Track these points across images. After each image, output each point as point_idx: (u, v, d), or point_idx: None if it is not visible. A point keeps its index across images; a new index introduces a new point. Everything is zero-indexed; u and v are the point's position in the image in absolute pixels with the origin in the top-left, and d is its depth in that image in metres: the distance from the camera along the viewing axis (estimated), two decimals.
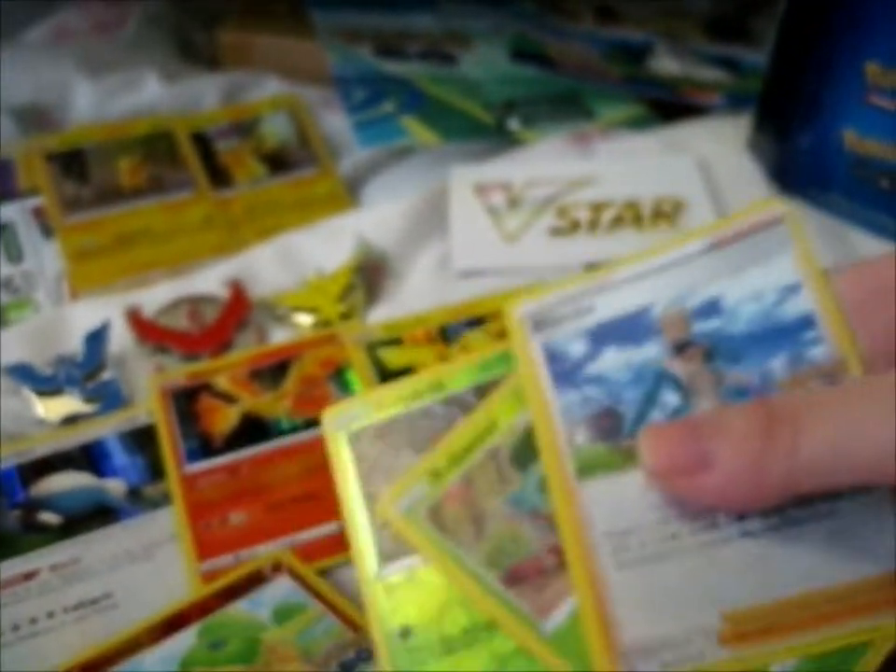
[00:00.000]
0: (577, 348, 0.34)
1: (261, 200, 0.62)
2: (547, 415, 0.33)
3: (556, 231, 0.57)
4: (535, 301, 0.36)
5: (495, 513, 0.33)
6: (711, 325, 0.34)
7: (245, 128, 0.65)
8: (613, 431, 0.33)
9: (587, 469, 0.32)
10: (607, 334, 0.34)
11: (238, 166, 0.63)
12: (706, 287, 0.35)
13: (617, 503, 0.32)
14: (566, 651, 0.30)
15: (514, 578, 0.32)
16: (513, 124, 0.70)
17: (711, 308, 0.34)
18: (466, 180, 0.61)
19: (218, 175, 0.62)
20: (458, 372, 0.37)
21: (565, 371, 0.34)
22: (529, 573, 0.32)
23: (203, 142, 0.64)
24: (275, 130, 0.65)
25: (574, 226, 0.58)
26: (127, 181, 0.61)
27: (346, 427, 0.37)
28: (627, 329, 0.34)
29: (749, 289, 0.34)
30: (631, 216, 0.59)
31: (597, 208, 0.59)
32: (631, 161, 0.63)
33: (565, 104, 0.72)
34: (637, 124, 0.70)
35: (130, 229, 0.59)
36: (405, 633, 0.33)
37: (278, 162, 0.64)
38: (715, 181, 0.62)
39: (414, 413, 0.36)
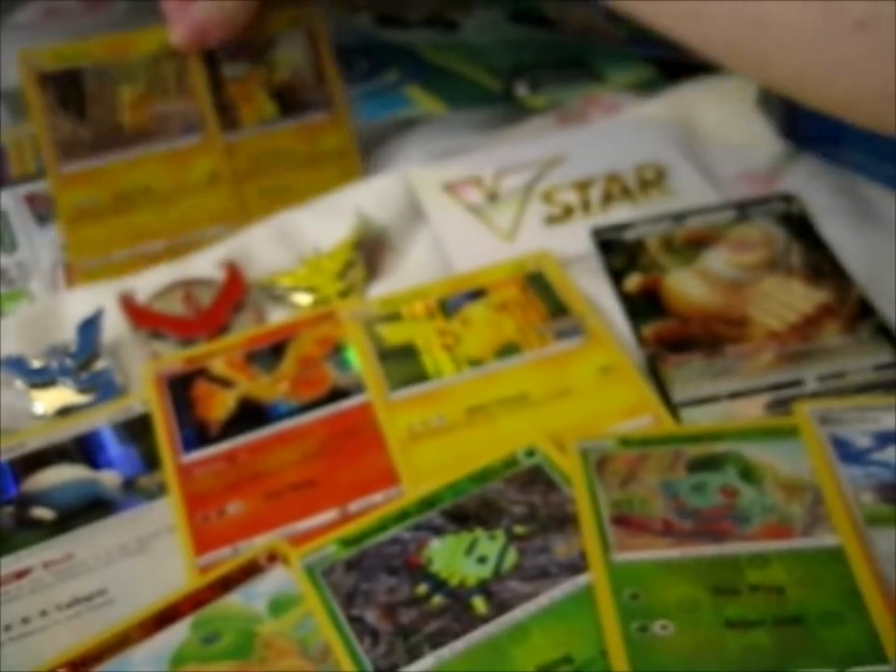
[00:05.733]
0: (862, 441, 0.41)
1: (268, 148, 0.59)
2: (834, 483, 0.40)
3: (551, 219, 0.55)
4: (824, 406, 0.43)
5: None
6: None
7: (256, 50, 0.60)
8: None
9: (874, 520, 0.38)
10: (891, 438, 0.41)
11: (246, 102, 0.59)
12: None
13: None
14: None
15: None
16: (521, 90, 0.68)
17: None
18: (430, 183, 0.58)
19: (227, 113, 0.58)
20: (422, 501, 0.40)
21: (851, 454, 0.41)
22: None
23: (212, 65, 0.58)
24: (289, 56, 0.61)
25: (567, 211, 0.56)
26: (129, 119, 0.57)
27: (319, 565, 0.38)
28: None
29: None
30: (618, 189, 0.57)
31: (582, 187, 0.57)
32: (599, 133, 0.61)
33: (572, 67, 0.71)
34: (646, 86, 0.68)
35: (130, 185, 0.56)
36: None
37: (289, 100, 0.60)
38: (719, 142, 0.60)
39: (385, 541, 0.39)
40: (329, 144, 0.59)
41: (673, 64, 0.71)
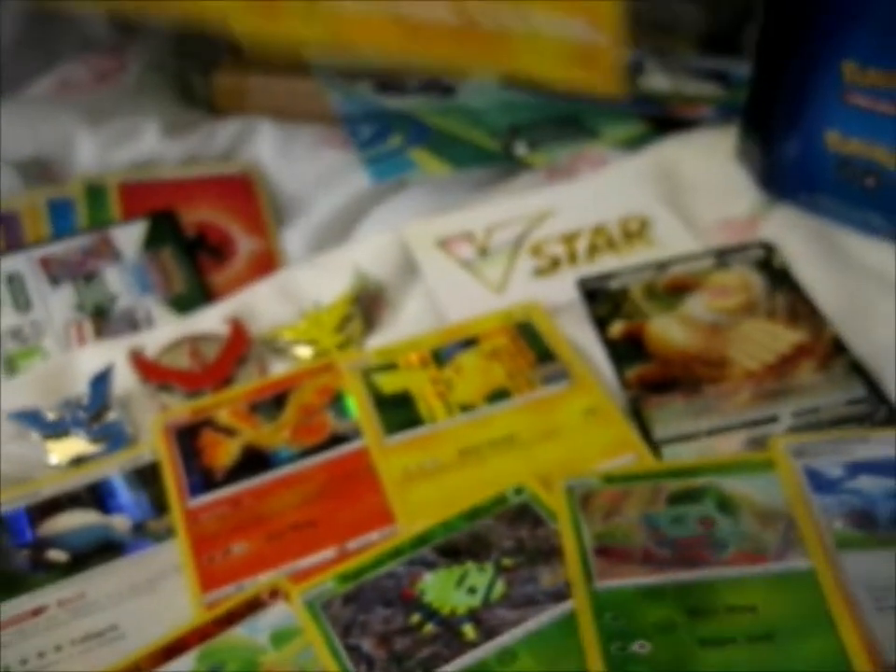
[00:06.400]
0: (835, 471, 0.44)
1: None
2: (807, 511, 0.42)
3: (540, 272, 0.58)
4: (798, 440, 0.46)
5: None
6: None
7: None
8: (868, 526, 0.42)
9: (844, 544, 0.41)
10: (862, 468, 0.44)
11: None
12: None
13: (874, 569, 0.40)
14: None
15: None
16: (520, 149, 0.71)
17: None
18: (424, 238, 0.61)
19: None
20: (415, 538, 0.43)
21: (823, 484, 0.43)
22: None
23: None
24: None
25: (554, 263, 0.58)
26: None
27: (318, 599, 0.41)
28: (881, 469, 0.44)
29: None
30: (603, 241, 0.59)
31: (568, 239, 0.60)
32: (586, 187, 0.64)
33: (567, 125, 0.73)
34: (638, 141, 0.71)
35: None
36: None
37: None
38: (700, 194, 0.63)
39: (381, 576, 0.41)
40: None
41: (665, 120, 0.74)
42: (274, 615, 0.40)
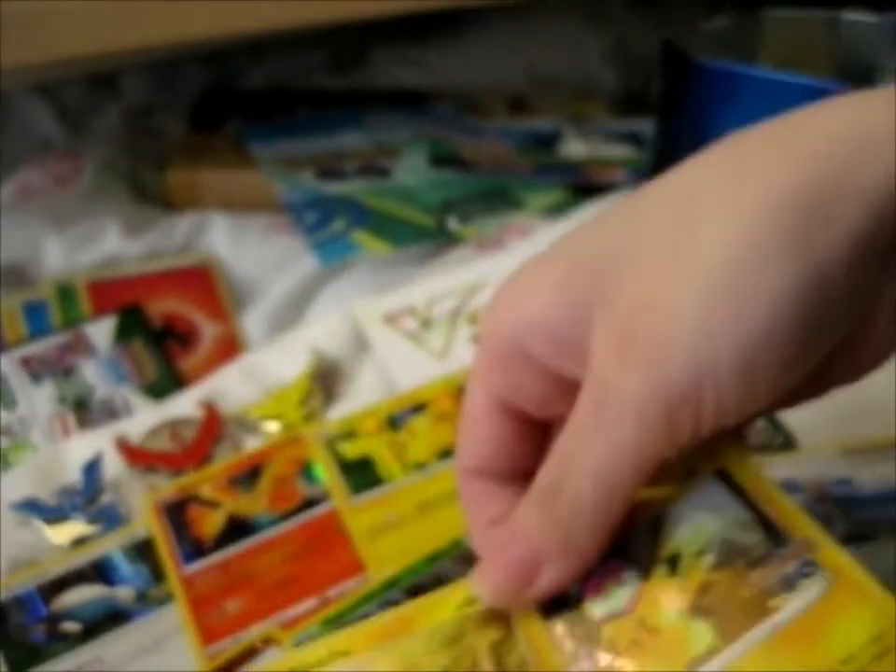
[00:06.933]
0: None
1: None
2: None
3: (476, 339, 0.64)
4: None
5: None
6: None
7: None
8: None
9: None
10: None
11: None
12: None
13: None
14: None
15: None
16: (453, 224, 0.77)
17: None
18: (372, 315, 0.67)
19: None
20: (385, 583, 0.49)
21: None
22: None
23: None
24: None
25: None
26: None
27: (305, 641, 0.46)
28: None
29: None
30: None
31: None
32: (513, 256, 0.70)
33: (495, 198, 0.80)
34: (559, 208, 0.78)
35: None
36: None
37: None
38: None
39: (357, 617, 0.47)
40: None
41: (581, 186, 0.81)
42: (269, 660, 0.46)
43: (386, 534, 0.53)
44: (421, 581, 0.49)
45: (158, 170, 0.85)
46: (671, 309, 0.32)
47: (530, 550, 0.34)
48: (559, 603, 0.36)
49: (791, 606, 0.33)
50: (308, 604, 0.50)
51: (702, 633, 0.34)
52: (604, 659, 0.34)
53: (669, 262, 0.33)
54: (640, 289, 0.33)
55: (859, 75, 0.61)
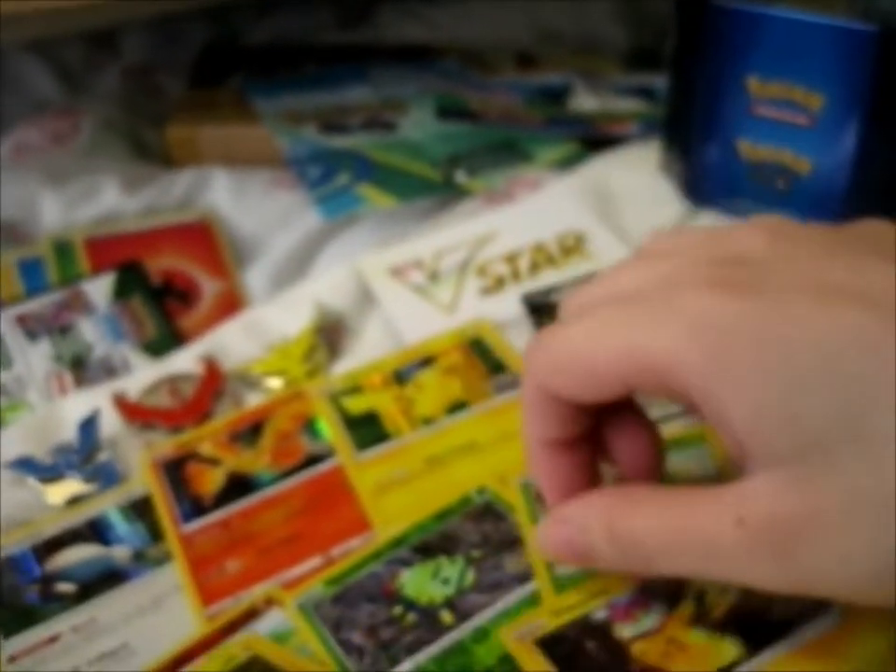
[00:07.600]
0: None
1: None
2: None
3: (486, 291, 0.63)
4: None
5: None
6: None
7: None
8: None
9: None
10: None
11: None
12: None
13: None
14: None
15: None
16: (460, 177, 0.75)
17: None
18: (378, 268, 0.65)
19: None
20: (392, 541, 0.47)
21: None
22: None
23: None
24: None
25: (499, 281, 0.63)
26: None
27: (309, 602, 0.45)
28: None
29: None
30: (543, 258, 0.64)
31: (511, 259, 0.64)
32: (523, 209, 0.69)
33: (503, 151, 0.78)
34: (569, 162, 0.76)
35: None
36: None
37: None
38: (629, 206, 0.68)
39: (363, 576, 0.46)
40: None
41: (592, 139, 0.79)
42: (271, 620, 0.44)
43: (393, 490, 0.51)
44: (428, 539, 0.47)
45: (158, 128, 0.83)
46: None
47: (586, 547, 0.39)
48: None
49: (817, 621, 0.39)
50: (312, 563, 0.48)
51: (729, 646, 0.39)
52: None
53: None
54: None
55: (882, 13, 0.58)
